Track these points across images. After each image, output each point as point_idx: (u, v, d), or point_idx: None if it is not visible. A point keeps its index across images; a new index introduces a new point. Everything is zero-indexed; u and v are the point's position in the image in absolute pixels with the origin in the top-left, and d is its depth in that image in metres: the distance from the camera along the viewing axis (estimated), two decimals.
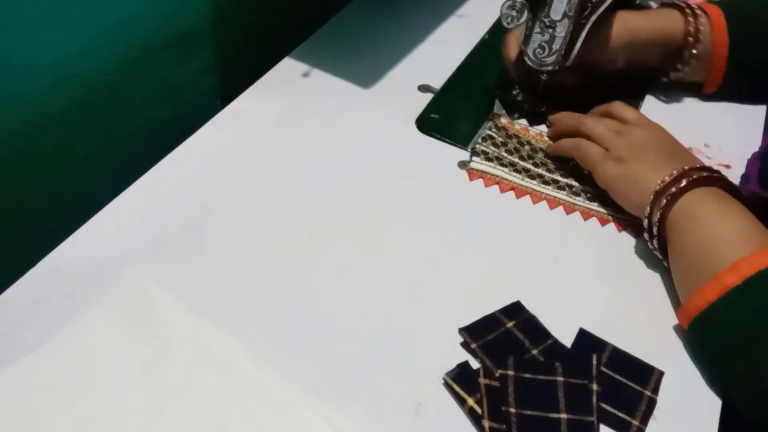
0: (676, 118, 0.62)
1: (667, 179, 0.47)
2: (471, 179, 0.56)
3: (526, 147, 0.59)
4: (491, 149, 0.58)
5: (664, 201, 0.46)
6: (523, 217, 0.53)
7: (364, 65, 0.66)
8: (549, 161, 0.58)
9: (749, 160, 0.59)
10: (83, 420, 0.38)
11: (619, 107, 0.57)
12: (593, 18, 0.54)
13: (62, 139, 0.52)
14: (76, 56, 0.50)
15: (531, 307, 0.46)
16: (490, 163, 0.57)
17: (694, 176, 0.46)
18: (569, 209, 0.54)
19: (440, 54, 0.68)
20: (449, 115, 0.61)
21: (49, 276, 0.45)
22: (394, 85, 0.64)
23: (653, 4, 0.71)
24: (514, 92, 0.62)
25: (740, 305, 0.41)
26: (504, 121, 0.61)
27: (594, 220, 0.53)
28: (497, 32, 0.68)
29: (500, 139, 0.59)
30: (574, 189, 0.56)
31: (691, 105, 0.65)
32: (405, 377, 0.42)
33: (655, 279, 0.49)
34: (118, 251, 0.47)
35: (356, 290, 0.47)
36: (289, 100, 0.61)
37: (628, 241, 0.52)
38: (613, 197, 0.52)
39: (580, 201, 0.55)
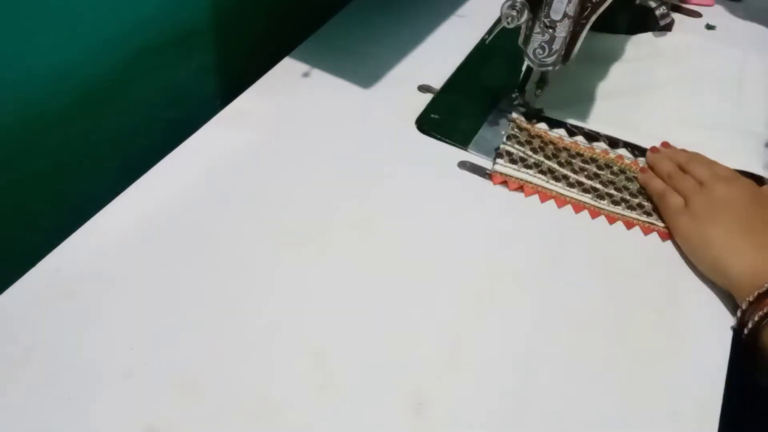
0: None
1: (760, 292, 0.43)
2: (495, 183, 0.55)
3: (550, 147, 0.59)
4: (516, 148, 0.57)
5: (757, 317, 0.43)
6: (524, 217, 0.53)
7: (364, 65, 0.66)
8: (573, 161, 0.58)
9: None
10: None
11: (704, 161, 0.55)
12: (593, 18, 0.54)
13: (62, 139, 0.52)
14: (76, 56, 0.50)
15: (536, 309, 0.47)
16: (514, 166, 0.56)
17: None
18: (594, 214, 0.54)
19: (440, 54, 0.68)
20: (449, 115, 0.61)
21: (49, 276, 0.45)
22: (394, 85, 0.64)
23: (653, 4, 0.71)
24: (513, 95, 0.62)
25: None
26: (525, 123, 0.61)
27: (619, 224, 0.53)
28: (497, 33, 0.68)
29: (524, 138, 0.59)
30: (598, 192, 0.55)
31: None
32: (405, 377, 0.42)
33: (667, 281, 0.49)
34: (119, 251, 0.47)
35: (357, 290, 0.47)
36: (289, 100, 0.61)
37: (651, 244, 0.52)
38: (686, 254, 0.50)
39: (605, 204, 0.54)
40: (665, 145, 0.59)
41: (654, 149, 0.58)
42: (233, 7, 0.64)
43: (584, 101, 0.64)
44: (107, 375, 0.41)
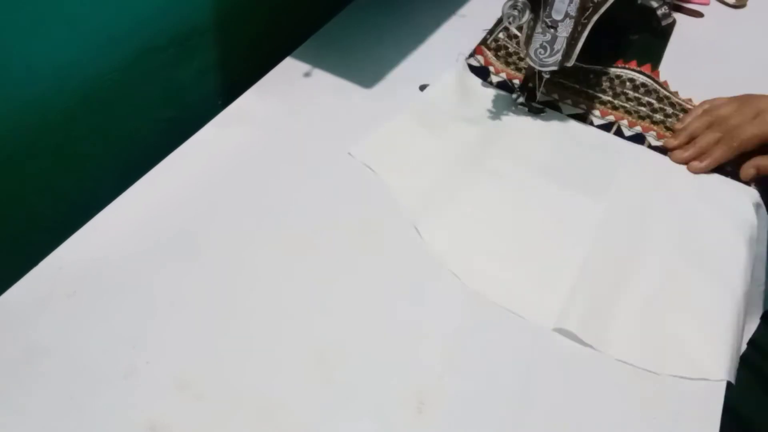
0: None
1: None
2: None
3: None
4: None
5: None
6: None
7: (364, 65, 0.66)
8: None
9: None
10: None
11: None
12: (595, 18, 0.54)
13: (64, 139, 0.52)
14: (78, 56, 0.50)
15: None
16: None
17: None
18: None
19: (440, 54, 0.68)
20: None
21: (50, 275, 0.45)
22: (395, 85, 0.64)
23: (654, 4, 0.71)
24: (514, 95, 0.62)
25: None
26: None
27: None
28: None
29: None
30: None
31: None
32: (407, 376, 0.42)
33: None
34: (120, 251, 0.47)
35: (357, 290, 0.47)
36: (291, 100, 0.61)
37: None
38: None
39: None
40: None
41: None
42: (234, 8, 0.64)
43: None
44: (109, 374, 0.40)
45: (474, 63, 0.66)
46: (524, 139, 0.59)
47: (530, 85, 0.60)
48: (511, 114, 0.61)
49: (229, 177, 0.54)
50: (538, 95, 0.60)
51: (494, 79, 0.65)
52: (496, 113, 0.62)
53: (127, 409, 0.39)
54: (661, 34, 0.73)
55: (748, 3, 0.81)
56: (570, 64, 0.57)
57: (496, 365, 0.43)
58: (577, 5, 0.53)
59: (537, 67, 0.57)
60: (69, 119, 0.51)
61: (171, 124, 0.61)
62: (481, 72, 0.66)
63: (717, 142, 0.58)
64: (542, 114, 0.61)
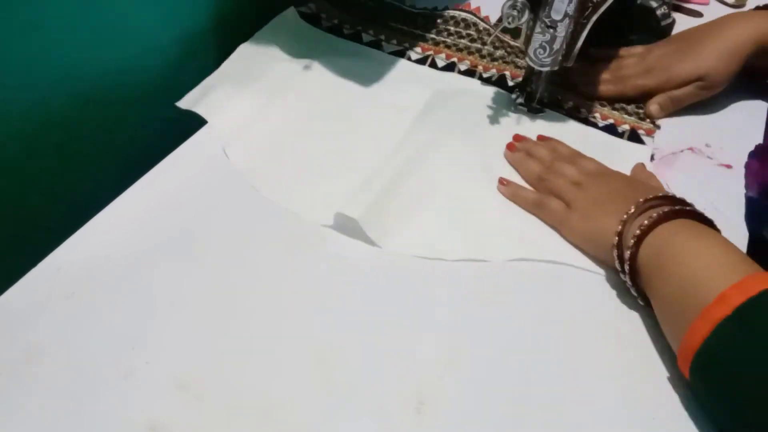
0: (677, 116, 0.62)
1: (626, 216, 0.45)
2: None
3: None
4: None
5: (631, 242, 0.44)
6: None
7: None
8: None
9: (747, 163, 0.58)
10: None
11: (566, 158, 0.55)
12: (594, 18, 0.54)
13: (63, 139, 0.52)
14: (78, 56, 0.50)
15: (537, 307, 0.47)
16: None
17: (662, 211, 0.44)
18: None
19: None
20: None
21: (49, 276, 0.45)
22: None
23: (654, 4, 0.71)
24: (513, 95, 0.62)
25: (736, 337, 0.37)
26: None
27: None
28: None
29: None
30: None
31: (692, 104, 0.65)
32: (407, 376, 0.42)
33: None
34: (119, 251, 0.47)
35: (358, 289, 0.47)
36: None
37: None
38: (586, 253, 0.50)
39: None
40: (518, 138, 0.59)
41: (511, 146, 0.58)
42: (235, 8, 0.64)
43: None
44: (108, 374, 0.40)
45: (305, 10, 0.71)
46: (349, 74, 0.64)
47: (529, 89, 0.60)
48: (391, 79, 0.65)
49: (229, 177, 0.54)
50: (538, 95, 0.60)
51: (325, 24, 0.70)
52: (322, 53, 0.66)
53: (127, 409, 0.39)
54: (661, 34, 0.73)
55: (747, 3, 0.81)
56: (569, 64, 0.57)
57: (495, 365, 0.43)
58: (577, 5, 0.53)
59: (536, 67, 0.57)
60: (69, 119, 0.51)
61: (170, 125, 0.61)
62: (312, 18, 0.70)
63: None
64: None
